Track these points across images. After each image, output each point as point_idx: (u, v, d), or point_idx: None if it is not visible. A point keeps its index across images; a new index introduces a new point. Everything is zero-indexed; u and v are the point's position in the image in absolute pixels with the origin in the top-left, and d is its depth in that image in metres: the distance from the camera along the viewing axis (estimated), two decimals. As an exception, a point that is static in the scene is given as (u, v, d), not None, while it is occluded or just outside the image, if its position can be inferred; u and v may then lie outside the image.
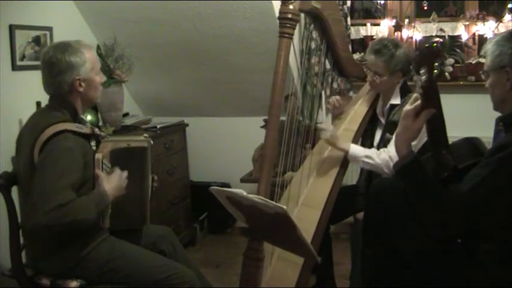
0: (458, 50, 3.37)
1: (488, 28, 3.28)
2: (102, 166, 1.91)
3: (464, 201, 1.52)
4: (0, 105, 2.51)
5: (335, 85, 3.25)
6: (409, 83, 2.48)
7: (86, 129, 1.89)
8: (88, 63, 1.91)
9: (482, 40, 3.31)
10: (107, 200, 1.82)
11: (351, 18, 3.46)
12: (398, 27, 3.43)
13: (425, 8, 3.46)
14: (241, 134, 3.67)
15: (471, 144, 1.78)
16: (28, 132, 1.90)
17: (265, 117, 1.97)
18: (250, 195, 1.54)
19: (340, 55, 2.38)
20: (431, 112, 1.53)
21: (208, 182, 3.53)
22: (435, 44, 1.47)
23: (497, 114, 1.70)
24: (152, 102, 3.79)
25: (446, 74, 3.29)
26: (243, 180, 3.21)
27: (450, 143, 1.67)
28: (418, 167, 1.59)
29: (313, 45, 3.20)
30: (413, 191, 1.61)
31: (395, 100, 2.40)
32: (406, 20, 3.43)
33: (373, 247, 1.83)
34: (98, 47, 2.99)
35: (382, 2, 3.55)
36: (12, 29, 2.58)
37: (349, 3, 3.38)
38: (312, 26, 2.79)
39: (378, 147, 2.40)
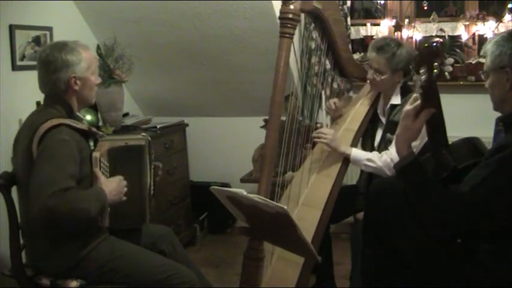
0: (458, 50, 3.37)
1: (488, 28, 3.28)
2: (100, 165, 1.92)
3: (465, 201, 1.52)
4: (0, 105, 2.51)
5: (335, 85, 3.25)
6: (409, 83, 2.48)
7: (81, 125, 1.90)
8: (84, 62, 1.93)
9: (482, 40, 3.31)
10: (105, 199, 1.82)
11: (351, 18, 3.47)
12: (398, 27, 3.43)
13: (425, 8, 3.46)
14: (241, 134, 3.67)
15: (471, 144, 1.79)
16: (25, 131, 1.91)
17: (265, 117, 1.97)
18: (250, 195, 1.54)
19: (340, 55, 2.38)
20: (430, 112, 1.53)
21: (208, 182, 3.53)
22: (435, 44, 1.47)
23: (497, 114, 1.70)
24: (152, 102, 3.79)
25: (446, 73, 3.29)
26: (243, 180, 3.21)
27: (450, 143, 1.67)
28: (419, 167, 1.59)
29: (313, 45, 3.20)
30: (414, 191, 1.61)
31: (396, 100, 2.39)
32: (406, 20, 3.43)
33: (373, 247, 1.83)
34: (98, 47, 2.99)
35: (382, 2, 3.55)
36: (12, 29, 2.58)
37: (349, 3, 3.38)
38: (312, 26, 2.79)
39: (379, 147, 2.40)
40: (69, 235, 1.84)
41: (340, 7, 3.26)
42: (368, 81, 2.48)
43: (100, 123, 3.03)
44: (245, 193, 1.54)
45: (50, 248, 1.86)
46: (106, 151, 1.97)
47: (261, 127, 2.88)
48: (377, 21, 3.56)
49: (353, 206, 2.48)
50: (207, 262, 3.21)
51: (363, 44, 3.62)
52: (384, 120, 2.47)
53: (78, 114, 2.01)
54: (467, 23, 3.37)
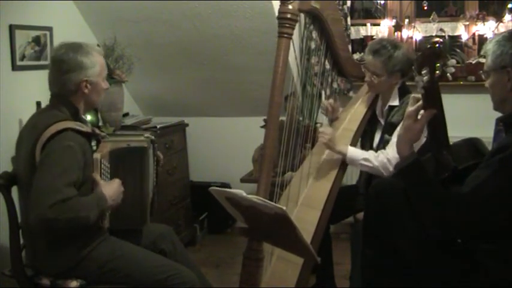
0: (458, 50, 3.37)
1: (488, 28, 3.28)
2: (101, 166, 1.91)
3: (466, 202, 1.52)
4: (0, 105, 2.51)
5: (335, 85, 3.25)
6: (409, 84, 2.48)
7: (86, 128, 1.90)
8: (97, 66, 1.95)
9: (482, 40, 3.31)
10: (105, 204, 1.82)
11: (351, 18, 3.46)
12: (398, 27, 3.43)
13: (425, 8, 3.46)
14: (241, 134, 3.67)
15: (471, 144, 1.78)
16: (28, 132, 1.90)
17: (265, 117, 1.97)
18: (249, 196, 1.54)
19: (339, 55, 2.38)
20: (432, 113, 1.53)
21: (208, 182, 3.53)
22: (437, 45, 1.47)
23: (497, 114, 1.69)
24: (152, 102, 3.79)
25: (448, 74, 3.29)
26: (243, 180, 3.21)
27: (451, 143, 1.67)
28: (420, 168, 1.59)
29: (313, 45, 3.20)
30: (415, 191, 1.61)
31: (394, 101, 2.39)
32: (406, 20, 3.44)
33: (373, 247, 1.83)
34: (98, 47, 2.99)
35: (382, 2, 3.55)
36: (12, 29, 2.58)
37: (349, 3, 3.38)
38: (312, 25, 2.79)
39: (377, 148, 2.40)
40: (69, 236, 1.84)
41: (340, 7, 3.26)
42: (366, 83, 2.49)
43: (100, 123, 3.03)
44: (244, 194, 1.54)
45: (50, 248, 1.86)
46: (108, 152, 1.97)
47: (261, 127, 2.88)
48: (377, 21, 3.56)
49: (353, 206, 2.48)
50: (207, 262, 3.22)
51: (362, 44, 3.61)
52: (382, 121, 2.47)
53: (82, 116, 2.01)
54: (467, 23, 3.37)
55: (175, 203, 3.37)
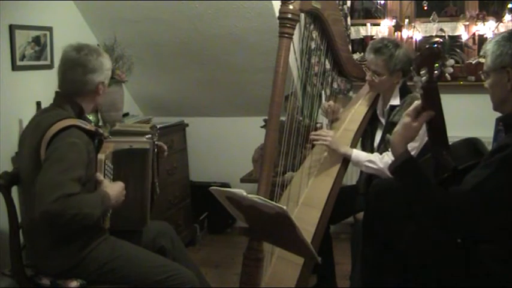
0: (458, 50, 3.37)
1: (488, 28, 3.28)
2: (105, 167, 1.92)
3: (465, 201, 1.52)
4: (0, 105, 2.51)
5: (335, 85, 3.25)
6: (409, 83, 2.48)
7: (90, 127, 1.90)
8: (110, 70, 2.04)
9: (482, 40, 3.31)
10: (109, 202, 1.82)
11: (351, 18, 3.46)
12: (398, 27, 3.43)
13: (425, 8, 3.46)
14: (241, 134, 3.67)
15: (471, 145, 1.78)
16: (31, 131, 1.91)
17: (266, 117, 1.97)
18: (250, 195, 1.54)
19: (340, 55, 2.38)
20: (430, 114, 1.53)
21: (208, 182, 3.53)
22: (436, 45, 1.47)
23: (497, 114, 1.69)
24: (152, 102, 3.79)
25: (447, 75, 3.29)
26: (243, 180, 3.21)
27: (450, 143, 1.66)
28: (414, 166, 1.58)
29: (313, 45, 3.20)
30: (410, 190, 1.60)
31: (395, 101, 2.40)
32: (406, 20, 3.43)
33: (373, 247, 1.83)
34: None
35: (382, 2, 3.55)
36: (12, 29, 2.58)
37: (349, 3, 3.38)
38: (312, 26, 2.79)
39: (378, 148, 2.40)
40: (70, 235, 1.84)
41: (340, 7, 3.26)
42: (367, 82, 2.49)
43: (100, 123, 3.03)
44: (244, 193, 1.54)
45: (50, 248, 1.86)
46: (111, 153, 1.97)
47: (261, 127, 2.88)
48: (377, 21, 3.56)
49: (353, 207, 2.48)
50: (207, 262, 3.22)
51: (362, 44, 3.61)
52: (383, 121, 2.47)
53: (86, 116, 2.02)
54: (467, 23, 3.37)
55: (175, 203, 3.36)
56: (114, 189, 1.87)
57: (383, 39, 2.41)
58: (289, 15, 1.85)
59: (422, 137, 1.69)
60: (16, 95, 2.62)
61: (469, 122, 3.10)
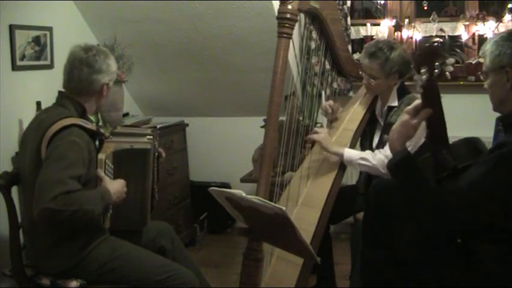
0: (458, 50, 3.37)
1: (488, 28, 3.28)
2: (105, 167, 1.92)
3: (463, 197, 1.51)
4: (0, 105, 2.51)
5: (335, 85, 3.25)
6: (408, 83, 2.48)
7: (91, 126, 1.91)
8: (115, 73, 2.07)
9: (482, 40, 3.31)
10: (109, 199, 1.82)
11: (351, 18, 3.46)
12: (398, 27, 3.43)
13: (425, 8, 3.46)
14: (241, 134, 3.67)
15: (471, 144, 1.78)
16: (33, 130, 1.91)
17: (265, 117, 1.97)
18: (249, 196, 1.54)
19: (339, 55, 2.38)
20: (428, 112, 1.53)
21: (208, 182, 3.53)
22: (436, 44, 1.47)
23: (497, 114, 1.69)
24: (152, 102, 3.79)
25: (447, 73, 3.29)
26: (243, 180, 3.21)
27: (450, 143, 1.66)
28: (411, 163, 1.58)
29: (313, 45, 3.20)
30: (407, 187, 1.60)
31: (393, 102, 2.39)
32: (406, 20, 3.43)
33: (373, 247, 1.83)
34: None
35: (382, 2, 3.55)
36: (12, 29, 2.58)
37: (349, 3, 3.38)
38: (312, 25, 2.79)
39: (377, 149, 2.40)
40: (70, 235, 1.84)
41: (340, 7, 3.26)
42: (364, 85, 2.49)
43: (100, 123, 3.03)
44: (243, 194, 1.54)
45: (51, 247, 1.87)
46: (111, 153, 1.98)
47: (261, 127, 2.88)
48: (377, 21, 3.56)
49: (353, 207, 2.48)
50: (207, 262, 3.22)
51: (362, 44, 3.60)
52: (381, 122, 2.47)
53: (88, 116, 2.03)
54: (467, 23, 3.37)
55: (175, 203, 3.37)
56: (114, 186, 1.88)
57: (377, 42, 2.40)
58: (288, 15, 1.85)
59: (419, 136, 1.68)
60: (16, 95, 2.63)
61: (469, 122, 3.10)
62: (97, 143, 1.93)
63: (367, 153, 2.28)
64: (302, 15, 2.31)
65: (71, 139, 1.79)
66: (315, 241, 2.00)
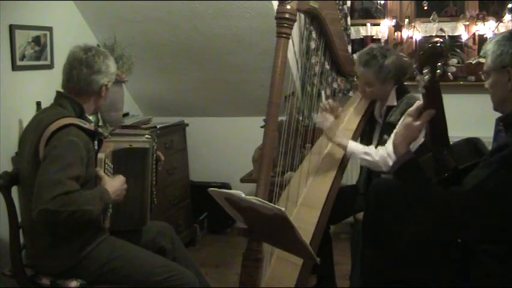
0: (458, 50, 3.37)
1: (488, 28, 3.28)
2: (105, 166, 1.92)
3: (466, 201, 1.51)
4: (0, 105, 2.51)
5: (335, 85, 3.25)
6: (409, 84, 2.48)
7: (89, 126, 1.91)
8: (114, 75, 2.07)
9: (482, 40, 3.31)
10: (108, 198, 1.82)
11: (351, 18, 3.46)
12: (398, 27, 3.43)
13: (426, 8, 3.46)
14: (241, 134, 3.67)
15: (471, 144, 1.78)
16: (31, 130, 1.91)
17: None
18: (248, 197, 1.53)
19: (338, 54, 2.38)
20: (431, 113, 1.53)
21: (208, 182, 3.53)
22: (438, 44, 1.47)
23: (497, 114, 1.69)
24: (152, 102, 3.79)
25: (449, 74, 3.29)
26: (243, 180, 3.21)
27: (451, 143, 1.66)
28: (416, 166, 1.58)
29: (313, 45, 3.20)
30: (411, 190, 1.60)
31: (392, 102, 2.39)
32: (406, 20, 3.43)
33: (373, 247, 1.83)
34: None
35: (382, 2, 3.55)
36: (12, 29, 2.58)
37: (349, 3, 3.38)
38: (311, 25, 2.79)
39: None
40: (70, 235, 1.84)
41: (340, 7, 3.26)
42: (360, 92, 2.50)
43: (100, 123, 3.03)
44: (243, 195, 1.53)
45: (51, 247, 1.87)
46: (111, 152, 1.98)
47: (261, 127, 2.88)
48: (377, 21, 3.56)
49: (353, 206, 2.48)
50: (207, 262, 3.22)
51: (362, 44, 3.61)
52: (381, 122, 2.47)
53: (86, 115, 2.02)
54: (467, 23, 3.37)
55: (175, 203, 3.36)
56: (113, 184, 1.88)
57: (371, 49, 2.39)
58: (287, 15, 1.84)
59: (419, 137, 1.68)
60: (16, 95, 2.63)
61: (469, 122, 3.10)
62: (96, 142, 1.93)
63: (371, 149, 2.28)
64: (302, 15, 2.31)
65: (68, 139, 1.79)
66: (314, 241, 1.99)
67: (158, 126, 3.18)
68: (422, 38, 3.41)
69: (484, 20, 3.29)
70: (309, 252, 1.57)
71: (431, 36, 3.40)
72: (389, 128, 2.30)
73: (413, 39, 3.41)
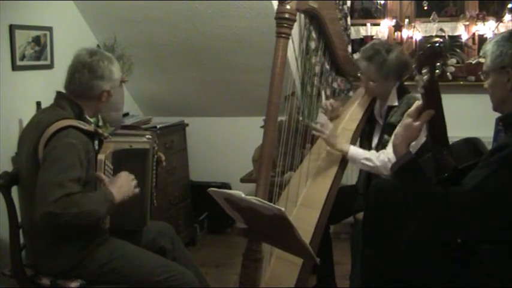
0: (458, 50, 3.37)
1: (488, 28, 3.28)
2: (105, 168, 1.91)
3: (466, 201, 1.51)
4: (0, 105, 2.51)
5: (335, 85, 3.25)
6: (409, 83, 2.48)
7: (89, 127, 1.90)
8: (118, 81, 2.05)
9: (482, 40, 3.31)
10: (113, 198, 1.81)
11: (351, 18, 3.46)
12: (398, 27, 3.43)
13: (425, 8, 3.46)
14: (241, 134, 3.67)
15: (471, 144, 1.78)
16: (30, 130, 1.91)
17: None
18: (248, 197, 1.53)
19: (338, 54, 2.38)
20: (430, 114, 1.53)
21: (208, 182, 3.53)
22: (437, 44, 1.47)
23: (497, 114, 1.69)
24: (152, 102, 3.79)
25: (448, 74, 3.29)
26: (243, 180, 3.21)
27: (450, 143, 1.66)
28: (416, 167, 1.58)
29: (313, 45, 3.20)
30: (411, 191, 1.60)
31: (393, 102, 2.40)
32: (406, 20, 3.43)
33: (373, 247, 1.83)
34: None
35: (382, 2, 3.55)
36: (12, 29, 2.58)
37: (349, 3, 3.38)
38: (311, 25, 2.79)
39: (376, 149, 2.40)
40: (70, 235, 1.84)
41: (340, 7, 3.26)
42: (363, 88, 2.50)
43: (100, 123, 3.03)
44: (243, 195, 1.53)
45: (51, 247, 1.87)
46: (111, 153, 1.97)
47: (261, 127, 2.87)
48: (377, 21, 3.56)
49: (353, 206, 2.48)
50: (207, 262, 3.21)
51: (362, 44, 3.61)
52: (381, 122, 2.47)
53: (86, 116, 2.02)
54: (467, 23, 3.37)
55: (175, 203, 3.37)
56: (117, 182, 1.86)
57: (374, 44, 2.40)
58: (286, 15, 1.84)
59: (420, 137, 1.68)
60: (16, 95, 2.63)
61: (469, 122, 3.10)
62: (96, 142, 1.93)
63: (372, 154, 2.28)
64: (302, 15, 2.31)
65: (67, 141, 1.79)
66: (314, 241, 1.99)
67: (158, 126, 3.18)
68: (422, 38, 3.41)
69: (484, 20, 3.29)
70: (308, 252, 1.57)
71: (431, 36, 3.40)
72: (390, 128, 2.30)
73: (413, 39, 3.41)
